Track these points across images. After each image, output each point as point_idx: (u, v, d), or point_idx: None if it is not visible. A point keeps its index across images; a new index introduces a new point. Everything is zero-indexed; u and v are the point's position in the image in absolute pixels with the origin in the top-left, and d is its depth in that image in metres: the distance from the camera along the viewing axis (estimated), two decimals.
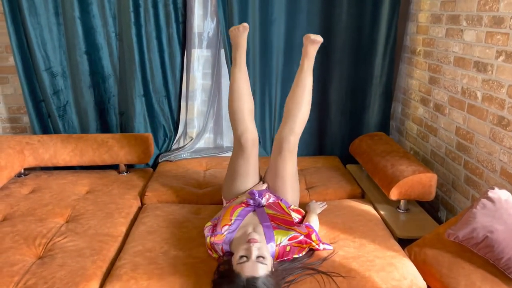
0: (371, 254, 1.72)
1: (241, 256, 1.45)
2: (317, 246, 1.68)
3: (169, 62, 2.75)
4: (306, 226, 1.71)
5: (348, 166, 2.78)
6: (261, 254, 1.45)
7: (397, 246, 1.80)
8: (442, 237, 1.72)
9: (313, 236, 1.68)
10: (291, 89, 1.99)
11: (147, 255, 1.73)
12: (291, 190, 1.99)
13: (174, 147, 2.92)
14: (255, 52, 2.72)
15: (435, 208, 2.42)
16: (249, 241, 1.49)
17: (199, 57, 2.83)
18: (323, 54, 2.77)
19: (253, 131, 1.96)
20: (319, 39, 1.93)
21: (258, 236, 1.56)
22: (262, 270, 1.41)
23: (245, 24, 1.97)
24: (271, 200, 1.89)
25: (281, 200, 1.91)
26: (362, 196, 2.38)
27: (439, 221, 2.33)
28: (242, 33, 1.97)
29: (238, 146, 1.96)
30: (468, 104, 2.11)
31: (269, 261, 1.47)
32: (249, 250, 1.45)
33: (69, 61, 2.68)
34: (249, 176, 1.98)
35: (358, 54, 2.78)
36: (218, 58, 2.83)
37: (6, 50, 2.80)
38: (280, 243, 1.62)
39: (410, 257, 1.74)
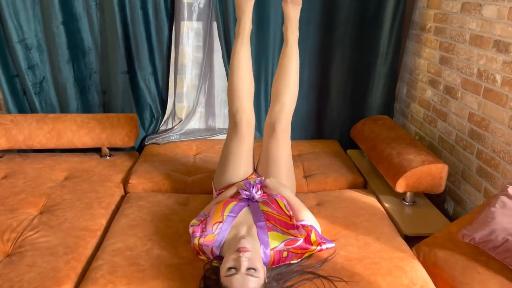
0: (376, 255, 1.56)
1: (230, 268, 1.27)
2: (319, 248, 1.51)
3: (156, 36, 2.51)
4: (303, 226, 1.52)
5: (348, 151, 2.60)
6: (252, 265, 1.27)
7: (405, 245, 1.64)
8: (455, 236, 1.56)
9: (313, 236, 1.50)
10: (277, 67, 1.87)
11: (128, 254, 1.56)
12: (285, 176, 1.83)
13: (161, 128, 2.73)
14: (252, 28, 2.48)
15: (442, 199, 2.26)
16: (239, 250, 1.31)
17: (189, 30, 2.59)
18: (324, 30, 2.56)
19: (250, 111, 1.83)
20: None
21: (250, 242, 1.38)
22: (253, 283, 1.23)
23: None
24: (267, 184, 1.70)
25: (277, 197, 1.70)
26: (364, 186, 2.21)
27: (446, 213, 2.17)
28: None
29: (233, 125, 1.82)
30: (484, 87, 1.92)
31: (261, 273, 1.28)
32: (238, 261, 1.27)
33: (44, 32, 2.43)
34: (241, 160, 1.83)
35: (362, 30, 2.56)
36: (210, 32, 2.61)
37: None
38: (275, 248, 1.44)
39: (418, 258, 1.58)
